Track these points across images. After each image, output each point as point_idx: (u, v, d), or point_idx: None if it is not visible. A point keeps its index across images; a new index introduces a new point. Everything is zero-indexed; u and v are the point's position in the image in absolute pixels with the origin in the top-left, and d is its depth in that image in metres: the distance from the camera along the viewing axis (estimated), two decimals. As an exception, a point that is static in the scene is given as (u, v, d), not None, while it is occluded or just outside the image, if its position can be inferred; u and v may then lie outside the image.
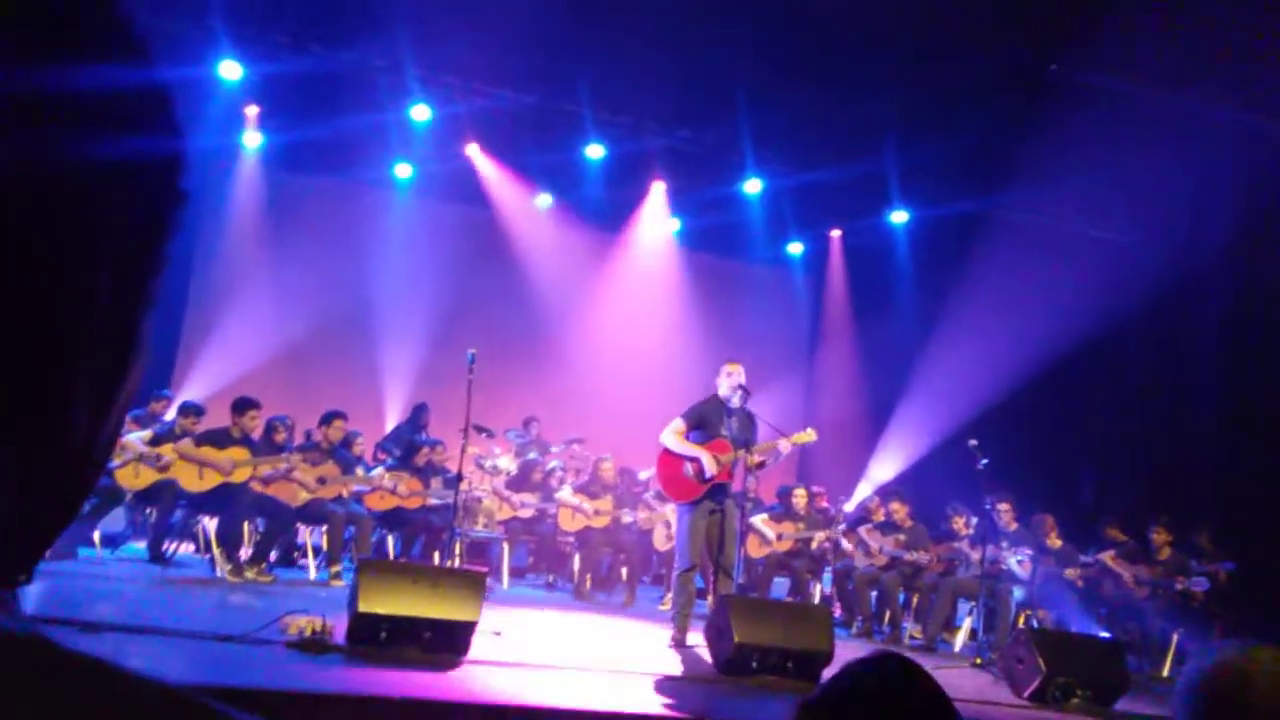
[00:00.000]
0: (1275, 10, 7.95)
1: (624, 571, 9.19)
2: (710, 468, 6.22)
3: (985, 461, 7.47)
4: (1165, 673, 8.06)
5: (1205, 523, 9.05)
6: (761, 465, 6.46)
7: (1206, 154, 9.97)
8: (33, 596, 4.99)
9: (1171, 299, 10.51)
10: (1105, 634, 7.85)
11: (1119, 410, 10.98)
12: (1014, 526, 8.41)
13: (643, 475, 10.13)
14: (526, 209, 12.49)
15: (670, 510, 8.65)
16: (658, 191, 12.19)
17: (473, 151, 11.52)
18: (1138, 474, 10.36)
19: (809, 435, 6.61)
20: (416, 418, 10.36)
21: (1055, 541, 8.50)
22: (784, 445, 6.46)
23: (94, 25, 0.45)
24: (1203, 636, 7.81)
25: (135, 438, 7.54)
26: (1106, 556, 8.74)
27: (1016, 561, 8.14)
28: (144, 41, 0.47)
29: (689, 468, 6.32)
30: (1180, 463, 10.03)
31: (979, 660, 7.16)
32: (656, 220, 12.78)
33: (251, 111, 10.82)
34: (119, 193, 0.45)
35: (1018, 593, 8.07)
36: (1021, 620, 8.16)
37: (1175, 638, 8.19)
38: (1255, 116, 9.30)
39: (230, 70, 9.61)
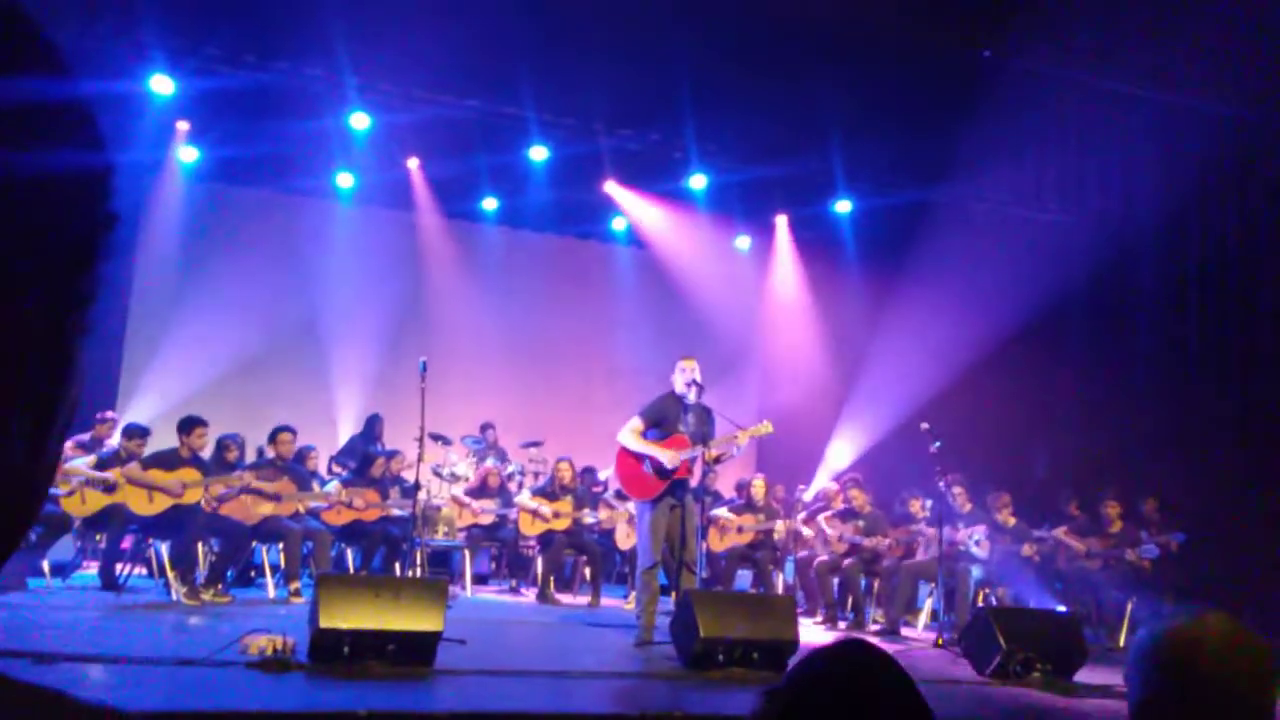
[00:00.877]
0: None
1: (587, 572, 9.18)
2: (670, 462, 6.24)
3: (938, 444, 7.58)
4: (1121, 642, 8.24)
5: (1151, 492, 9.27)
6: (719, 459, 6.49)
7: (1135, 133, 10.25)
8: (-19, 631, 4.86)
9: (1109, 275, 10.77)
10: (1062, 607, 8.01)
11: (1065, 386, 11.21)
12: (968, 507, 8.54)
13: (603, 475, 10.12)
14: (473, 213, 12.42)
15: (632, 508, 8.67)
16: (610, 191, 12.15)
17: (415, 159, 11.42)
18: (1087, 448, 10.57)
19: (765, 428, 6.67)
20: (370, 428, 10.26)
21: (1009, 519, 8.65)
22: (741, 439, 6.51)
23: (7, 38, 0.44)
24: (1156, 605, 7.99)
25: (80, 464, 7.37)
26: (1059, 532, 8.91)
27: (975, 541, 8.27)
28: (61, 54, 0.46)
29: (648, 465, 6.34)
30: (1125, 435, 10.26)
31: (941, 640, 7.26)
32: (609, 218, 12.80)
33: (185, 126, 10.63)
34: (44, 211, 0.44)
35: (976, 572, 8.21)
36: (980, 598, 8.29)
37: (1129, 607, 8.38)
38: (1177, 96, 9.57)
39: (162, 85, 9.43)
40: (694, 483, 6.51)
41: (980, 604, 8.13)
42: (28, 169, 0.43)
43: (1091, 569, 8.69)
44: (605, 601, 8.80)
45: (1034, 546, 8.53)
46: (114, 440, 8.13)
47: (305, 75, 9.31)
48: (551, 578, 8.90)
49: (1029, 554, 8.45)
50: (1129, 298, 10.86)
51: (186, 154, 10.97)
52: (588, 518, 9.10)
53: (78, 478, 7.24)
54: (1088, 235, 10.75)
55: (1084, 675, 6.08)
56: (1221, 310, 10.11)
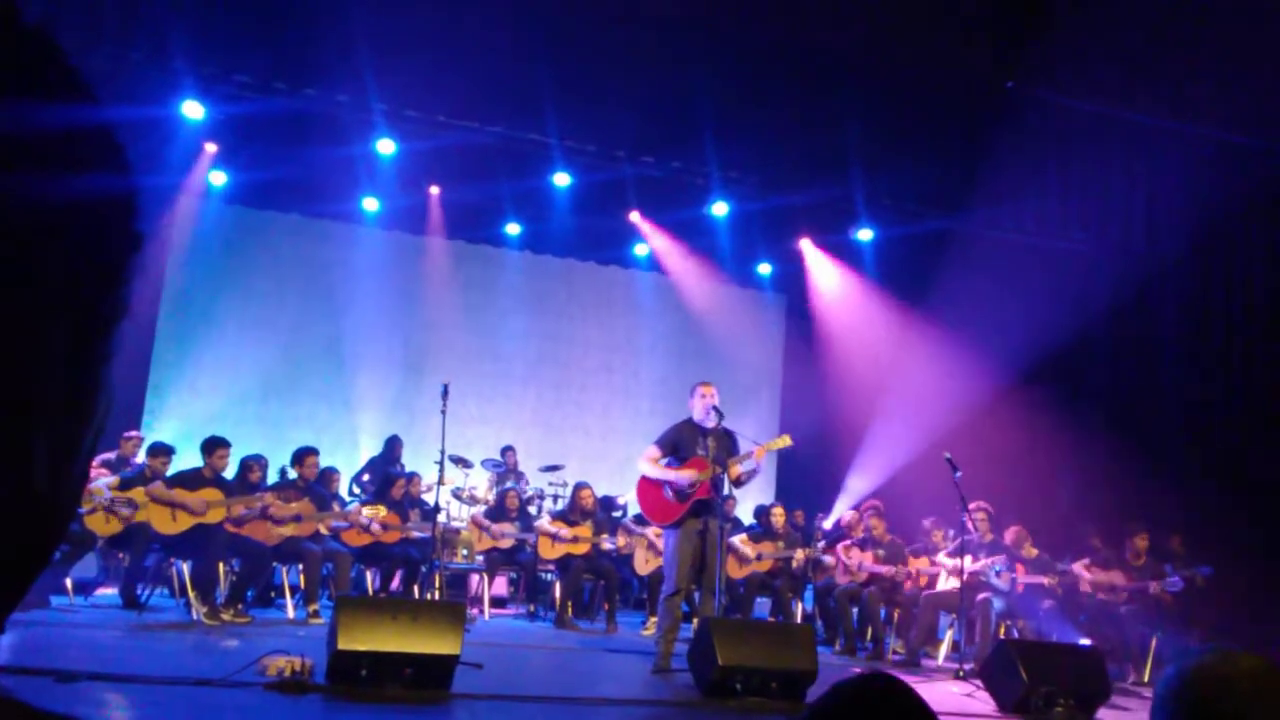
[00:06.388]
0: (1209, 25, 8.19)
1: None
2: (687, 481, 6.20)
3: (960, 474, 7.52)
4: (1145, 678, 8.11)
5: (1175, 527, 9.14)
6: (740, 481, 6.42)
7: (1160, 165, 10.21)
8: (6, 647, 4.89)
9: (1133, 305, 10.70)
10: (1085, 641, 7.89)
11: (1088, 417, 11.10)
12: (990, 537, 8.46)
13: (622, 500, 10.09)
14: (496, 237, 12.50)
15: (652, 532, 8.63)
16: (629, 218, 12.21)
17: (439, 184, 11.52)
18: (1111, 480, 10.46)
19: (784, 441, 6.63)
20: (390, 450, 10.28)
21: (1031, 551, 8.56)
22: (759, 454, 6.45)
23: (32, 63, 0.44)
24: (1181, 641, 7.86)
25: (103, 483, 7.43)
26: (1081, 565, 8.80)
27: (995, 572, 8.18)
28: (87, 80, 0.46)
29: (668, 490, 6.32)
30: (1150, 467, 10.15)
31: (962, 673, 7.17)
32: (631, 244, 12.85)
33: (214, 149, 10.76)
34: (69, 237, 0.44)
35: (997, 603, 8.11)
36: (1002, 631, 8.19)
37: (1154, 643, 8.25)
38: (1204, 128, 9.54)
39: (193, 110, 9.57)
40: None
41: (1002, 636, 8.03)
42: (56, 193, 0.44)
43: (1116, 603, 8.57)
44: (621, 628, 8.74)
45: (1055, 579, 8.42)
46: (139, 459, 8.20)
47: (333, 101, 9.42)
48: (570, 603, 8.86)
49: (1050, 585, 8.34)
50: (1153, 330, 10.78)
51: (215, 177, 11.12)
52: (605, 543, 9.07)
53: (101, 498, 7.30)
54: (1111, 267, 10.69)
55: (1107, 712, 5.99)
56: (1248, 343, 10.01)
